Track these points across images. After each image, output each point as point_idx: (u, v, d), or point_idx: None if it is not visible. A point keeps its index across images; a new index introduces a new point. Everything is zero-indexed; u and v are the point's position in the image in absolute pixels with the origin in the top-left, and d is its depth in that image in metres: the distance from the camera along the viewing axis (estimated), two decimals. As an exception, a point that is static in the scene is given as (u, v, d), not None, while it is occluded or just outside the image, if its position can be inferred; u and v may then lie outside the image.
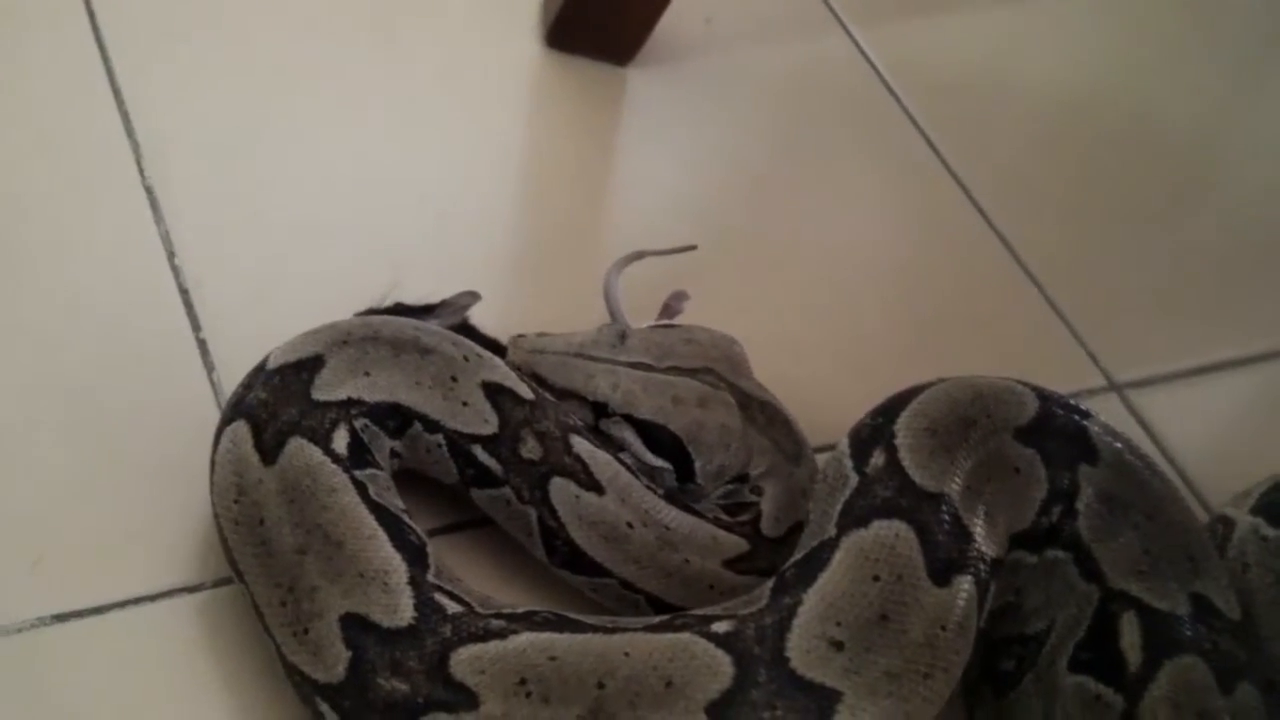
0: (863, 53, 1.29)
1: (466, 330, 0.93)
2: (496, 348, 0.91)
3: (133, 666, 0.82)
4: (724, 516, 0.88)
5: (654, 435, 0.88)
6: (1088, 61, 1.37)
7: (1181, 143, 1.32)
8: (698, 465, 0.88)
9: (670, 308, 0.98)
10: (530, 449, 0.84)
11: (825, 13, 1.32)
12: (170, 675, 0.82)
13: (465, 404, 0.84)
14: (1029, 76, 1.33)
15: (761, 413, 0.91)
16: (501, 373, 0.86)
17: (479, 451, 0.84)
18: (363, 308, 0.94)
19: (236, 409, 0.83)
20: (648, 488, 0.86)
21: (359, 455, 0.82)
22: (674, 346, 0.91)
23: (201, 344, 0.96)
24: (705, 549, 0.85)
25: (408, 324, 0.87)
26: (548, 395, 0.88)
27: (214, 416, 0.91)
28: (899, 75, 1.28)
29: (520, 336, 0.91)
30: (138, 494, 0.88)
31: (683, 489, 0.89)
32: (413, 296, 0.94)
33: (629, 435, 0.88)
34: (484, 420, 0.84)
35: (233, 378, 0.93)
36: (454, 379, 0.85)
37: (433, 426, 0.85)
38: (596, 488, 0.84)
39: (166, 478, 0.89)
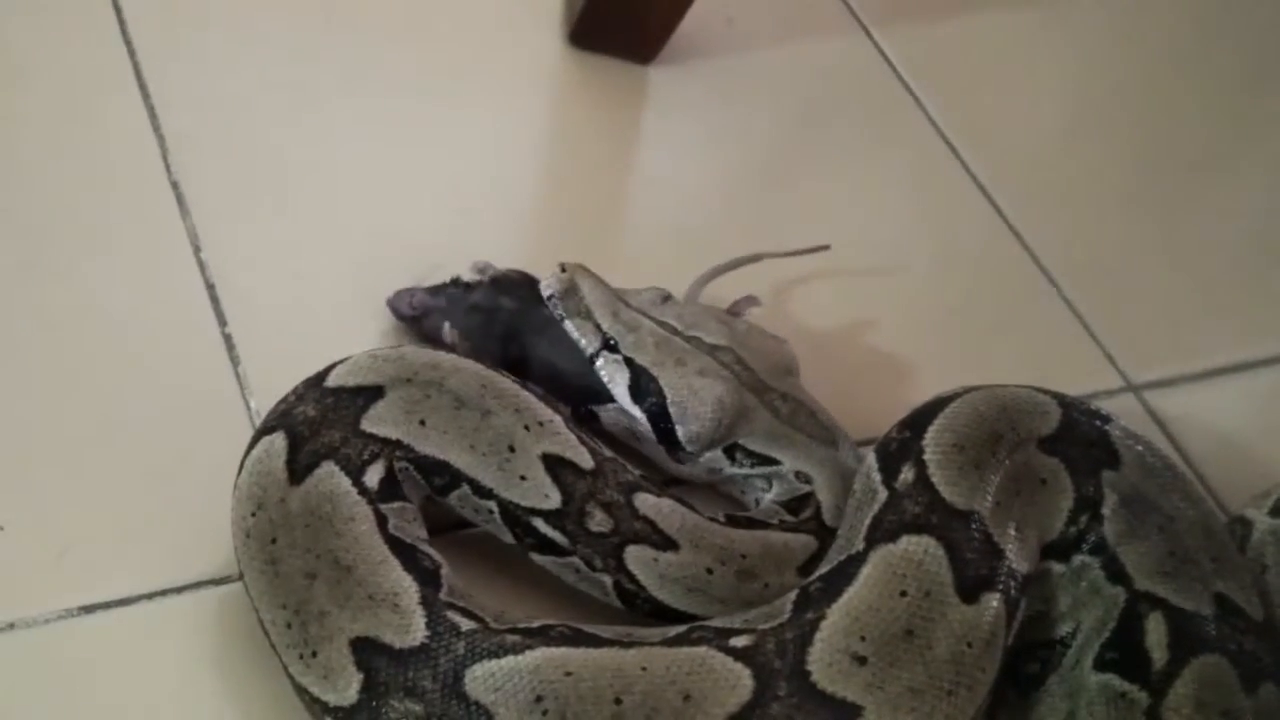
0: (881, 53, 1.27)
1: (517, 274, 0.93)
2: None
3: (159, 658, 0.80)
4: (788, 517, 0.86)
5: (642, 383, 0.87)
6: (1104, 62, 1.35)
7: (1198, 143, 1.30)
8: (679, 430, 0.86)
9: (737, 307, 0.97)
10: (599, 522, 0.81)
11: (845, 13, 1.29)
12: (197, 666, 0.80)
13: (524, 477, 0.81)
14: (1046, 77, 1.31)
15: (784, 403, 0.89)
16: (562, 442, 0.82)
17: (540, 524, 0.81)
18: (400, 287, 0.94)
19: (281, 419, 0.80)
20: (711, 519, 0.84)
21: (389, 490, 0.79)
22: (707, 322, 0.90)
23: (227, 338, 0.94)
24: (780, 562, 0.83)
25: (475, 377, 0.83)
26: (568, 307, 0.88)
27: (240, 409, 0.91)
28: (917, 75, 1.26)
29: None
30: (163, 486, 0.86)
31: (674, 455, 0.88)
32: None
33: (619, 376, 0.88)
34: (545, 495, 0.81)
35: (258, 371, 0.93)
36: (511, 449, 0.81)
37: (485, 493, 0.81)
38: (671, 545, 0.81)
39: (192, 470, 0.87)
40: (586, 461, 0.82)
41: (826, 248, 1.04)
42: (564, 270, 0.90)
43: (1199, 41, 1.40)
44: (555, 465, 0.81)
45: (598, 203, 1.12)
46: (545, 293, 0.89)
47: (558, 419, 0.83)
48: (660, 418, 0.87)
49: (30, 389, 0.90)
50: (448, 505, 0.83)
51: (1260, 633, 0.81)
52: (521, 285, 0.93)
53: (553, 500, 0.81)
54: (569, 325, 0.89)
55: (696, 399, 0.86)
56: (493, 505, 0.81)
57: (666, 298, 0.91)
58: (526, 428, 0.82)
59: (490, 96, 1.15)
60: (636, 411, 0.87)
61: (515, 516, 0.81)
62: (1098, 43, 1.37)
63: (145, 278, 0.97)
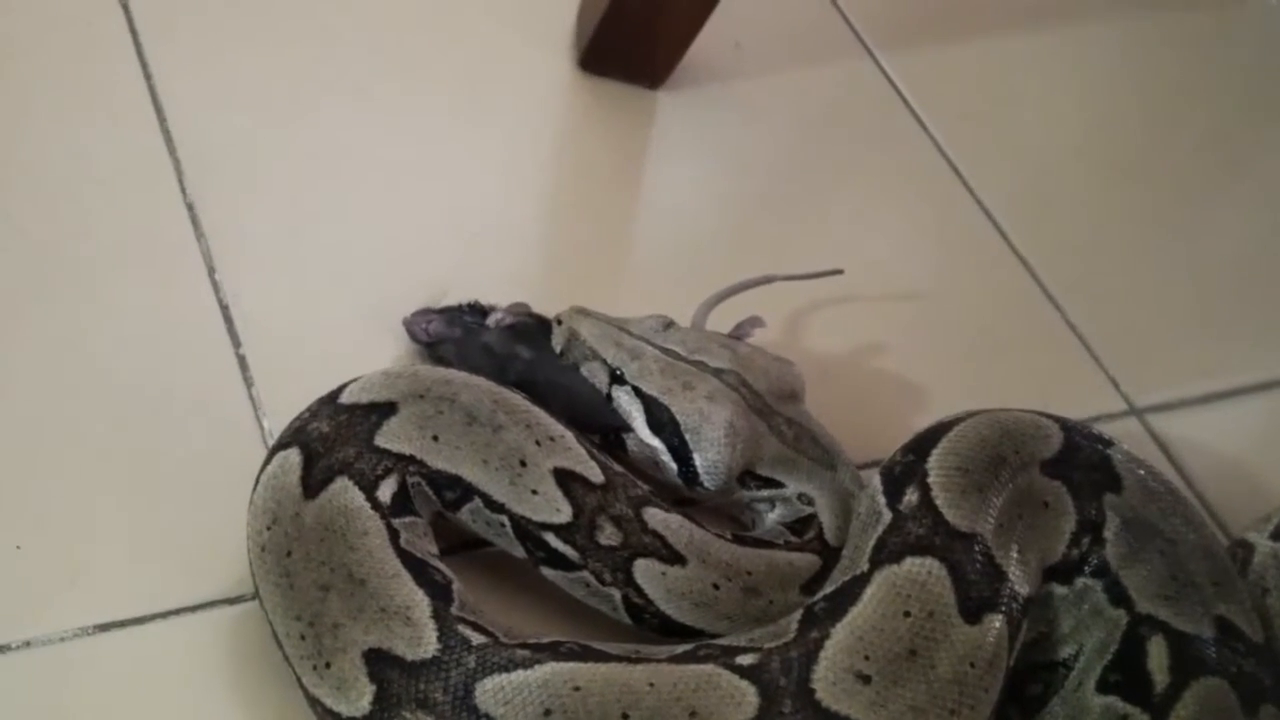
0: (887, 77, 1.28)
1: (532, 317, 0.94)
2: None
3: (173, 676, 0.81)
4: (792, 538, 0.87)
5: (655, 413, 0.87)
6: (1107, 86, 1.36)
7: (1201, 167, 1.30)
8: (696, 459, 0.87)
9: (740, 329, 0.97)
10: (609, 535, 0.82)
11: (851, 38, 1.30)
12: (209, 685, 0.81)
13: (535, 492, 0.81)
14: (1049, 101, 1.32)
15: (788, 427, 0.90)
16: (573, 456, 0.83)
17: (551, 538, 0.82)
18: (418, 307, 0.96)
19: (296, 436, 0.81)
20: (718, 535, 0.84)
21: (401, 504, 0.80)
22: (710, 346, 0.91)
23: (241, 359, 0.95)
24: (785, 580, 0.84)
25: (487, 394, 0.84)
26: (577, 354, 0.89)
27: (253, 430, 0.91)
28: (923, 99, 1.26)
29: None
30: (178, 506, 0.87)
31: (691, 490, 0.88)
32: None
33: (635, 409, 0.88)
34: (556, 509, 0.81)
35: (271, 392, 0.93)
36: (523, 463, 0.82)
37: (497, 507, 0.82)
38: (679, 559, 0.82)
39: (206, 491, 0.88)
40: (597, 476, 0.83)
41: (839, 271, 1.05)
42: (560, 323, 0.91)
43: (1202, 67, 1.40)
44: (566, 479, 0.82)
45: (606, 226, 1.13)
46: (556, 349, 0.91)
47: (569, 434, 0.84)
48: (680, 450, 0.88)
49: (44, 410, 0.90)
50: (458, 521, 0.84)
51: (1260, 655, 0.81)
52: (537, 333, 0.93)
53: (564, 514, 0.81)
54: (585, 371, 0.90)
55: (708, 423, 0.87)
56: (504, 519, 0.82)
57: (669, 324, 0.92)
58: (538, 443, 0.83)
59: (501, 120, 1.16)
60: (657, 442, 0.88)
61: (527, 531, 0.82)
62: (1102, 68, 1.37)
63: (160, 299, 0.97)
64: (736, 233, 1.14)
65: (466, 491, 0.82)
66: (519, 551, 0.84)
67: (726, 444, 0.87)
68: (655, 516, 0.83)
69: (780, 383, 0.92)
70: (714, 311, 0.99)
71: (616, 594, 0.82)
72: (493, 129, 1.15)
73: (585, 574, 0.82)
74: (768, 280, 1.01)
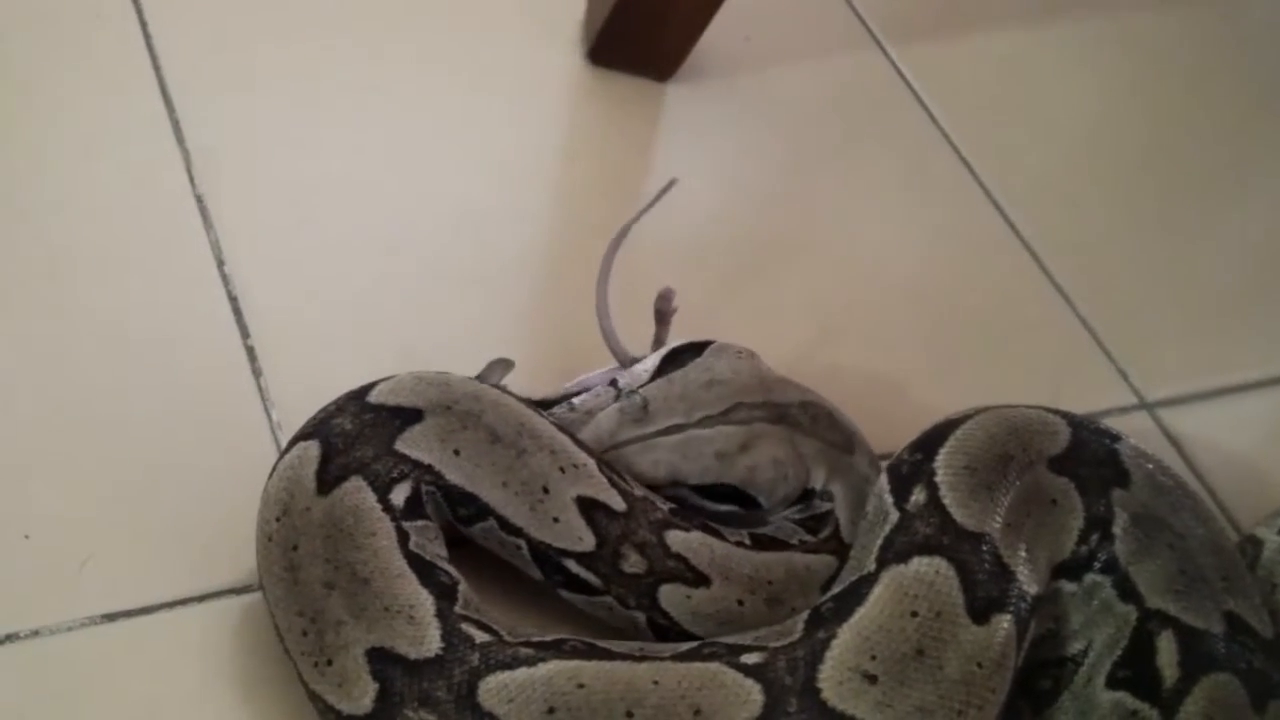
0: (898, 71, 1.27)
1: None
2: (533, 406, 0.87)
3: (180, 665, 0.80)
4: (808, 537, 0.86)
5: (712, 492, 0.86)
6: (1118, 79, 1.34)
7: (1212, 161, 1.29)
8: (762, 501, 0.86)
9: (662, 313, 0.93)
10: (633, 563, 0.80)
11: (862, 31, 1.29)
12: (216, 674, 0.80)
13: (556, 520, 0.80)
14: (1060, 93, 1.31)
15: (804, 413, 0.88)
16: (596, 484, 0.81)
17: (572, 565, 0.80)
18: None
19: (319, 428, 0.80)
20: (737, 543, 0.83)
21: (413, 509, 0.79)
22: (698, 396, 0.87)
23: (249, 350, 0.95)
24: (805, 585, 0.83)
25: (514, 416, 0.82)
26: (634, 490, 0.83)
27: (262, 420, 0.91)
28: (933, 93, 1.25)
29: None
30: (186, 496, 0.87)
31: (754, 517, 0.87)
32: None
33: (686, 493, 0.86)
34: (578, 537, 0.80)
35: (279, 383, 0.93)
36: (545, 490, 0.80)
37: (514, 530, 0.80)
38: (703, 580, 0.81)
39: (214, 481, 0.87)
40: (619, 504, 0.81)
41: (674, 181, 1.01)
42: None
43: (1213, 60, 1.39)
44: (589, 508, 0.81)
45: (614, 218, 1.11)
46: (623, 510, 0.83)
47: (591, 462, 0.82)
48: (744, 502, 0.86)
49: (53, 399, 0.90)
50: (470, 535, 0.83)
51: (1269, 651, 0.80)
52: None
53: (586, 543, 0.80)
54: None
55: (759, 472, 0.85)
56: (521, 543, 0.81)
57: (645, 404, 0.86)
58: (561, 470, 0.81)
59: (510, 113, 1.15)
60: (728, 507, 0.86)
61: (546, 556, 0.81)
62: (1112, 60, 1.36)
63: (169, 290, 0.97)
64: (745, 225, 1.13)
65: (481, 511, 0.81)
66: (535, 574, 0.82)
67: (781, 479, 0.86)
68: (677, 539, 0.81)
69: (763, 376, 0.89)
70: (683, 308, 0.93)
71: (641, 616, 0.81)
72: (502, 122, 1.14)
73: (608, 599, 0.81)
74: (625, 231, 0.97)
